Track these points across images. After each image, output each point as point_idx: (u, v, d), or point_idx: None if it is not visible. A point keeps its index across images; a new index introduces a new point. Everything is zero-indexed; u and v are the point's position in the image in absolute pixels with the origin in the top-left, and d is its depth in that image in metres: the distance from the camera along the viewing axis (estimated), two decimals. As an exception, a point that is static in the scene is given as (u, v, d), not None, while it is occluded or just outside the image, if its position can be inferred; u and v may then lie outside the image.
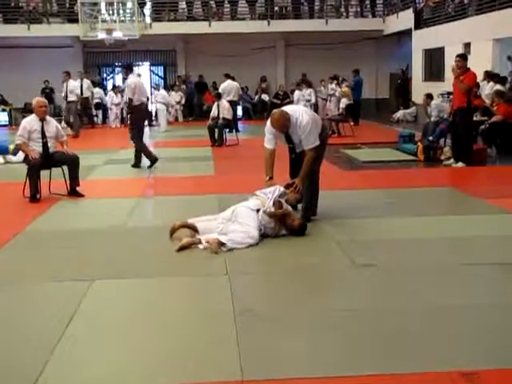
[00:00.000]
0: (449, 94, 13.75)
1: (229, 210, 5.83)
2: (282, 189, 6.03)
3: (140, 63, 23.96)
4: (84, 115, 19.09)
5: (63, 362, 3.34)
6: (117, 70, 23.79)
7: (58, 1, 22.46)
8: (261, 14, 22.31)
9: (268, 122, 6.28)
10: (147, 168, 10.41)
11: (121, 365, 3.35)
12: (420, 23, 18.97)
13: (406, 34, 20.38)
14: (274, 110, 6.40)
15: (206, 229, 5.67)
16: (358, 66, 20.05)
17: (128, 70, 11.23)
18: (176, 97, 21.05)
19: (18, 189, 7.90)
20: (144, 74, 21.52)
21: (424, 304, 4.08)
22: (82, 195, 7.98)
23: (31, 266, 5.13)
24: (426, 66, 19.03)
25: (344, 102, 16.04)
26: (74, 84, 16.85)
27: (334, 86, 18.72)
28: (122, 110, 19.66)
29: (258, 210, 5.68)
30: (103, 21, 20.08)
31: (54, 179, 8.17)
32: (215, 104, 14.58)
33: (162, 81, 23.78)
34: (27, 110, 17.07)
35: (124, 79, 11.21)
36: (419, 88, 18.19)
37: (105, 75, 24.24)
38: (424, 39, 18.63)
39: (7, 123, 20.49)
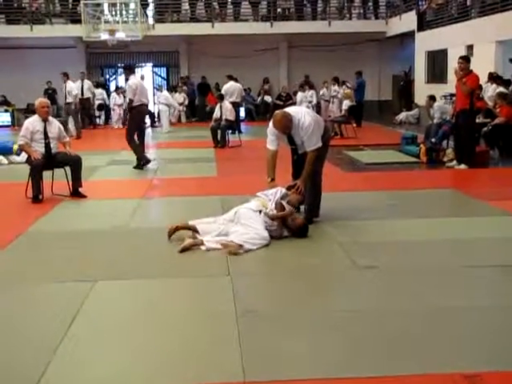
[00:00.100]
0: (451, 95, 13.76)
1: (231, 211, 5.83)
2: (284, 190, 6.03)
3: (143, 64, 23.99)
4: (85, 116, 19.11)
5: (65, 363, 3.34)
6: (119, 71, 23.79)
7: (60, 1, 22.50)
8: (264, 15, 22.34)
9: (270, 124, 6.28)
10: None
11: (123, 365, 3.35)
12: (423, 25, 18.97)
13: (408, 36, 20.37)
14: (276, 111, 6.41)
15: (206, 230, 5.67)
16: (361, 68, 20.04)
17: (128, 70, 11.21)
18: (179, 98, 21.08)
19: (20, 189, 7.91)
20: (147, 75, 21.51)
21: (426, 306, 4.07)
22: (84, 196, 7.99)
23: (34, 266, 5.14)
24: (429, 68, 19.02)
25: (346, 103, 16.06)
26: (71, 85, 16.79)
27: (336, 87, 18.74)
28: (124, 110, 19.67)
29: (259, 212, 5.69)
30: (106, 22, 20.09)
31: (57, 180, 8.18)
32: (218, 105, 14.60)
33: (165, 82, 23.79)
34: (30, 110, 17.13)
35: (126, 80, 11.18)
36: (422, 90, 18.18)
37: (107, 76, 24.26)
38: (427, 41, 18.62)
39: (10, 124, 20.54)
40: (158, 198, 8.38)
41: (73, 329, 3.76)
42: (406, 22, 19.99)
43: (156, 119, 20.61)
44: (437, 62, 18.35)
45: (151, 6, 22.60)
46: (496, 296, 4.34)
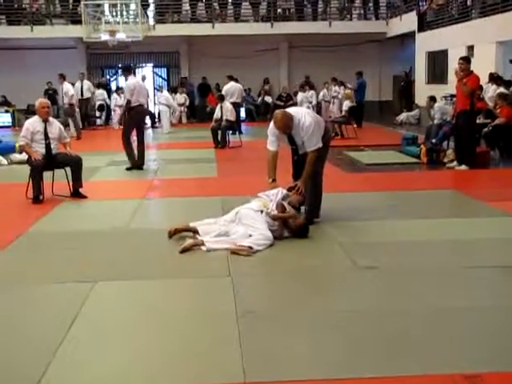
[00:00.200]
0: (452, 96, 13.75)
1: (232, 211, 5.83)
2: (285, 191, 6.03)
3: (143, 65, 24.02)
4: (84, 116, 19.09)
5: (65, 364, 3.34)
6: (120, 71, 23.81)
7: (61, 2, 22.51)
8: (264, 16, 22.34)
9: (271, 124, 6.27)
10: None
11: (123, 366, 3.35)
12: (423, 26, 18.97)
13: (409, 37, 20.38)
14: (277, 111, 6.40)
15: (206, 231, 5.67)
16: (362, 69, 20.02)
17: (127, 71, 11.13)
18: (180, 99, 21.08)
19: (21, 190, 7.91)
20: (147, 76, 21.53)
21: (426, 306, 4.07)
22: (84, 196, 7.99)
23: (34, 267, 5.14)
24: (430, 69, 19.03)
25: (347, 104, 16.06)
26: (68, 86, 16.76)
27: (337, 88, 18.74)
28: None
29: (261, 212, 5.69)
30: (106, 22, 20.08)
31: (57, 180, 8.18)
32: (218, 106, 14.60)
33: (166, 83, 23.80)
34: (30, 111, 17.10)
35: (126, 80, 11.16)
36: (422, 90, 18.19)
37: (108, 77, 24.27)
38: (427, 42, 18.63)
39: (10, 124, 20.54)
40: (159, 198, 8.38)
41: (73, 329, 3.75)
42: (407, 22, 20.00)
43: (156, 120, 20.62)
44: (437, 63, 18.36)
45: (152, 7, 22.62)
46: (496, 297, 4.34)
